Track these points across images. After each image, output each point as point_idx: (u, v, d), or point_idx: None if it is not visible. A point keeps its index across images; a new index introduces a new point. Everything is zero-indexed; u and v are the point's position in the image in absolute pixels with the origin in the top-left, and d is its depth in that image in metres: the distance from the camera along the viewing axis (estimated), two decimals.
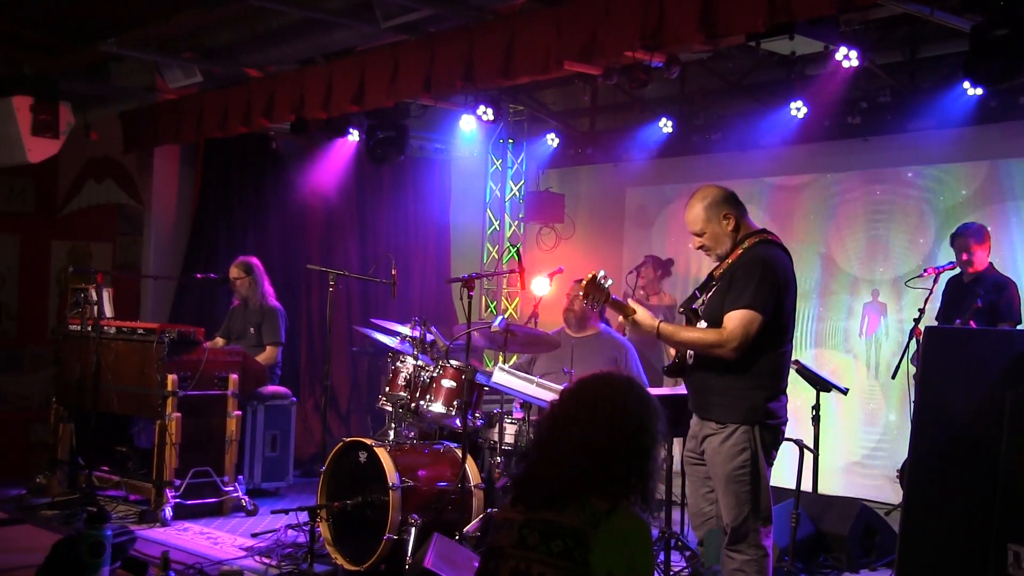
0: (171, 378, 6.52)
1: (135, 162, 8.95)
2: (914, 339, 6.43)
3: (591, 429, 2.47)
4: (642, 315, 4.15)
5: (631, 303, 4.23)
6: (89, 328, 6.84)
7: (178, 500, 6.51)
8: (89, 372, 6.78)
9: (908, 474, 4.53)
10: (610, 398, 2.51)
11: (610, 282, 4.13)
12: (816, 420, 5.84)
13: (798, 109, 7.36)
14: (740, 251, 4.10)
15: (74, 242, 9.52)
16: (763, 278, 3.99)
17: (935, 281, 6.52)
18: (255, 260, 7.71)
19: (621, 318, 4.23)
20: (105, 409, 6.83)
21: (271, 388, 7.51)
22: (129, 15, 6.91)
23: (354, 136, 8.39)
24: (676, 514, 5.76)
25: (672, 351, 4.36)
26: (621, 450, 2.46)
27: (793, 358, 5.67)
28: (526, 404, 5.66)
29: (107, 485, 6.93)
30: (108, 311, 7.12)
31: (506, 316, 7.89)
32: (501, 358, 6.28)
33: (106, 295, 7.12)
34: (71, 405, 7.20)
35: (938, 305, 6.70)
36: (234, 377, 6.85)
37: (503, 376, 5.40)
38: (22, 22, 7.48)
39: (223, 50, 7.20)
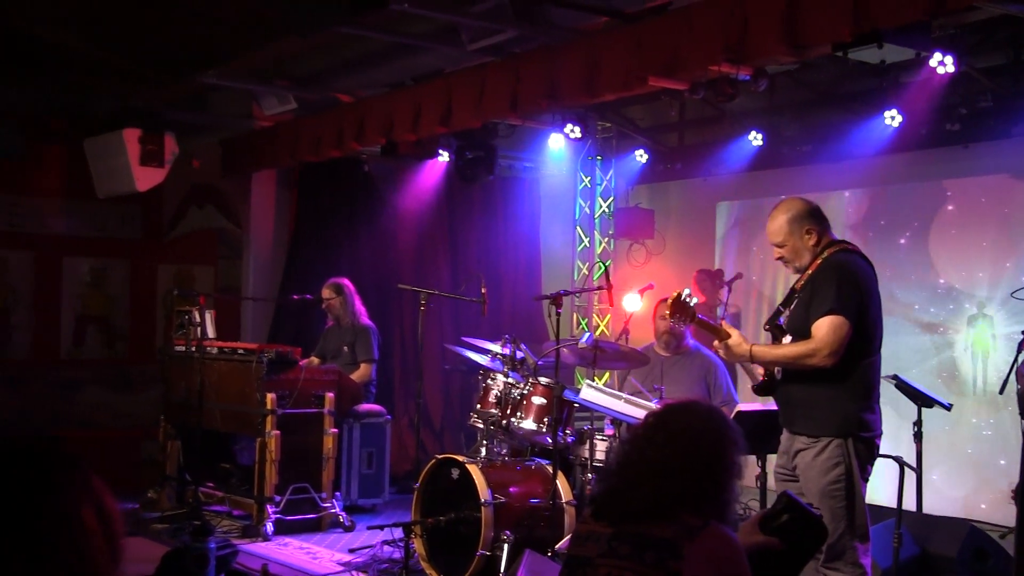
0: (270, 397, 6.69)
1: (234, 188, 9.24)
2: (1022, 353, 6.19)
3: (667, 454, 2.53)
4: (735, 340, 4.13)
5: (725, 326, 4.20)
6: (193, 349, 7.07)
7: (279, 516, 6.67)
8: (194, 391, 7.00)
9: (1020, 495, 4.36)
10: (688, 425, 2.57)
11: (695, 300, 4.13)
12: (918, 437, 5.69)
13: (892, 118, 7.19)
14: (819, 261, 4.08)
15: (179, 266, 9.85)
16: (844, 283, 3.96)
17: None
18: (345, 281, 7.87)
19: (716, 341, 4.22)
20: (209, 427, 7.03)
21: (366, 406, 7.63)
22: (226, 47, 7.16)
23: (444, 157, 8.52)
24: None
25: (760, 369, 4.31)
26: (696, 476, 2.51)
27: (892, 373, 5.57)
28: (616, 421, 5.66)
29: (212, 500, 7.14)
30: (211, 332, 7.34)
31: (596, 333, 7.89)
32: (596, 376, 6.28)
33: (208, 317, 7.34)
34: (178, 423, 7.44)
35: None
36: (330, 395, 7.00)
37: (591, 393, 5.41)
38: (129, 58, 7.81)
39: (315, 77, 7.40)
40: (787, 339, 4.07)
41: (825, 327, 3.92)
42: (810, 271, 4.08)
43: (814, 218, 4.13)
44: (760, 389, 4.27)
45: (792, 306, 4.11)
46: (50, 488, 1.44)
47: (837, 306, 3.92)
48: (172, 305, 7.60)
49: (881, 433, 4.07)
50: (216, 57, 7.21)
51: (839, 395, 3.97)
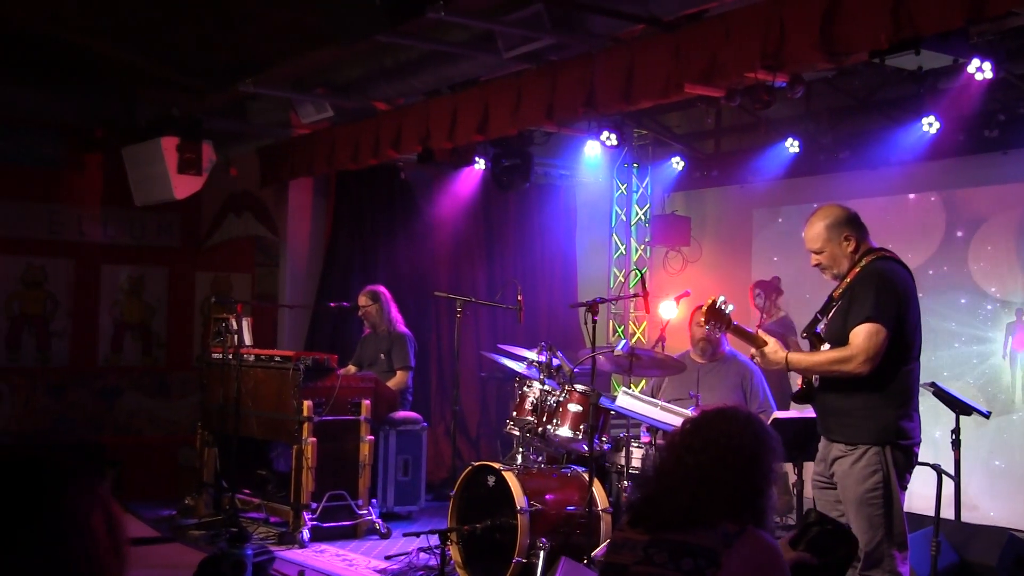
0: (307, 404, 6.72)
1: (271, 195, 9.31)
2: None
3: (703, 460, 2.53)
4: (772, 347, 4.12)
5: (761, 334, 4.19)
6: (230, 356, 7.13)
7: (315, 523, 6.70)
8: (230, 398, 7.05)
9: None
10: (726, 432, 2.56)
11: (731, 307, 4.12)
12: (956, 445, 5.63)
13: (930, 124, 7.13)
14: (858, 269, 4.06)
15: (216, 273, 9.94)
16: (883, 291, 3.94)
17: None
18: (381, 288, 7.91)
19: (753, 349, 4.21)
20: (246, 434, 7.09)
21: (402, 413, 7.66)
22: (264, 55, 7.23)
23: (480, 164, 8.55)
24: None
25: (799, 378, 4.30)
26: (733, 482, 2.50)
27: (929, 380, 5.52)
28: (653, 428, 5.64)
29: (249, 507, 7.19)
30: (247, 339, 7.39)
31: (632, 340, 7.87)
32: (632, 384, 6.27)
33: (245, 324, 7.40)
34: (215, 430, 7.49)
35: None
36: (366, 403, 7.02)
37: (627, 400, 5.40)
38: (169, 67, 7.91)
39: (352, 85, 7.45)
40: (825, 347, 4.05)
41: (862, 335, 3.91)
42: (848, 279, 4.07)
43: (852, 225, 4.11)
44: (799, 397, 4.26)
45: (830, 314, 4.09)
46: (61, 495, 1.46)
47: (875, 314, 3.90)
48: (210, 312, 7.68)
49: (920, 441, 4.04)
50: (254, 66, 7.28)
51: (877, 403, 3.95)
